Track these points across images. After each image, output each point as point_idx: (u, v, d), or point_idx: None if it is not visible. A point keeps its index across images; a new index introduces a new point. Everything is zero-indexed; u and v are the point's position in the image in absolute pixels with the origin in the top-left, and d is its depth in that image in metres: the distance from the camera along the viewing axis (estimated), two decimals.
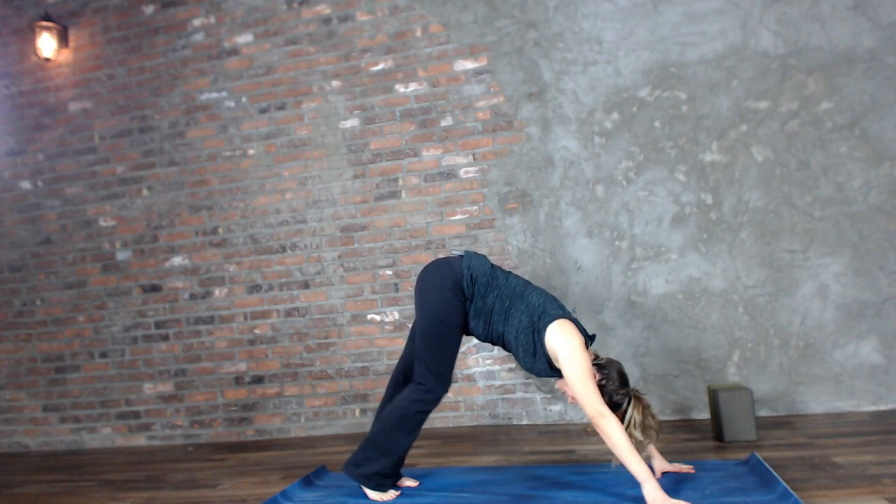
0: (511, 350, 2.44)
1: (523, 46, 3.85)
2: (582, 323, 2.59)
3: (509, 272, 2.52)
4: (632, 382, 3.57)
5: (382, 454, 2.47)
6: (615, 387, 2.28)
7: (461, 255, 2.53)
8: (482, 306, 2.42)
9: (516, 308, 2.37)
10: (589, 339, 2.37)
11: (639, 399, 2.29)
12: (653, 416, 2.27)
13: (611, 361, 2.36)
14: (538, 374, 2.41)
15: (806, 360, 3.44)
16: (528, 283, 2.48)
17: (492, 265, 2.50)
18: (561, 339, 2.27)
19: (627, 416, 2.24)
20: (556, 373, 2.36)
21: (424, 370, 2.45)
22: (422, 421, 2.48)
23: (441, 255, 2.61)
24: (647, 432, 2.23)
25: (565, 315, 2.33)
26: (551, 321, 2.30)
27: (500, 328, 2.41)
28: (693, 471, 2.48)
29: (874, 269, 3.40)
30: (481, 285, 2.42)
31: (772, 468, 2.35)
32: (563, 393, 2.41)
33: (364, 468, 2.48)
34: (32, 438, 4.46)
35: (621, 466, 2.19)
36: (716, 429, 3.08)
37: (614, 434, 2.15)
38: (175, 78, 4.34)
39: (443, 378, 2.46)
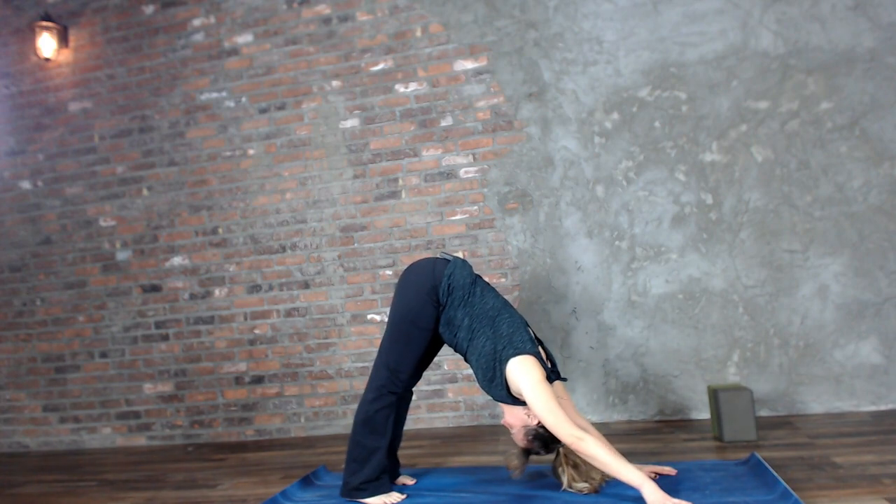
0: (471, 367, 2.47)
1: (523, 46, 3.85)
2: (554, 357, 2.62)
3: (488, 290, 2.50)
4: (632, 382, 3.61)
5: (364, 463, 2.46)
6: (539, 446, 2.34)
7: (448, 260, 2.52)
8: (452, 318, 2.45)
9: (483, 332, 2.38)
10: (555, 375, 2.41)
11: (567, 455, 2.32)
12: (586, 465, 2.29)
13: None
14: (494, 398, 2.42)
15: (806, 360, 3.44)
16: (504, 306, 2.46)
17: (474, 280, 2.49)
18: (521, 376, 2.28)
19: (563, 472, 2.32)
20: (511, 399, 2.36)
21: (382, 366, 2.48)
22: (388, 418, 2.48)
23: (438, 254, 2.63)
24: (589, 478, 2.28)
25: (530, 350, 2.33)
26: (515, 355, 2.31)
27: (465, 345, 2.44)
28: (674, 472, 2.48)
29: (874, 269, 3.40)
30: (456, 298, 2.44)
31: (772, 468, 2.35)
32: (507, 425, 2.43)
33: (352, 482, 2.47)
34: (32, 438, 4.46)
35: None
36: (716, 429, 3.08)
37: (596, 452, 2.15)
38: (175, 78, 4.34)
39: (399, 376, 2.47)
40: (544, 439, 2.31)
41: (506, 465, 2.42)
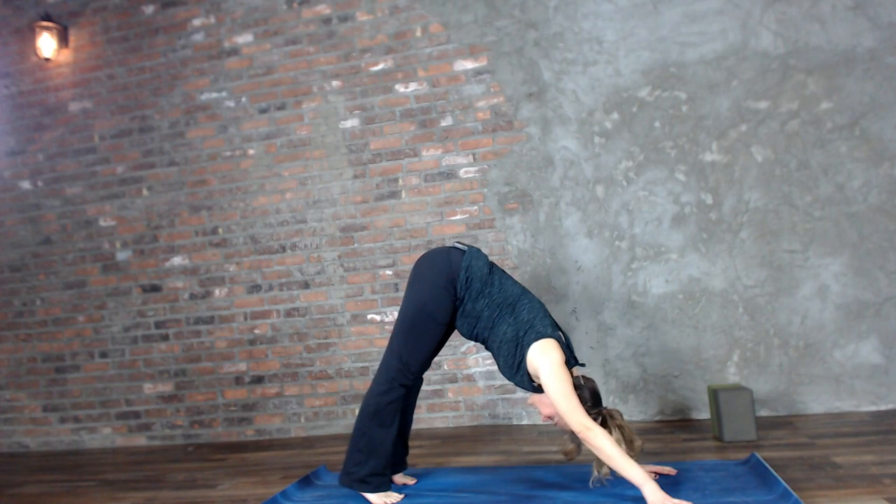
0: (493, 355, 2.47)
1: (523, 46, 3.85)
2: (571, 342, 2.56)
3: (506, 277, 2.49)
4: (632, 382, 3.61)
5: (370, 455, 2.45)
6: (587, 406, 2.27)
7: (463, 251, 2.49)
8: (471, 310, 2.43)
9: (504, 319, 2.38)
10: (573, 360, 2.39)
11: (612, 416, 2.28)
12: (629, 429, 2.27)
13: (585, 381, 2.34)
14: (517, 385, 2.43)
15: (806, 360, 3.44)
16: (522, 292, 2.45)
17: (490, 268, 2.47)
18: (541, 358, 2.27)
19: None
20: (534, 387, 2.36)
21: (393, 358, 2.45)
22: (396, 410, 2.47)
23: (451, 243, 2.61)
24: (631, 446, 2.23)
25: (551, 334, 2.33)
26: (537, 339, 2.31)
27: (486, 334, 2.44)
28: (674, 472, 2.47)
29: (874, 269, 3.40)
30: (474, 290, 2.42)
31: (772, 468, 2.35)
32: (537, 410, 2.42)
33: (356, 473, 2.46)
34: (32, 438, 4.46)
35: (610, 481, 2.22)
36: (716, 429, 3.08)
37: (603, 445, 2.15)
38: (175, 78, 4.34)
39: (410, 368, 2.46)
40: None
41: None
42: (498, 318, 2.39)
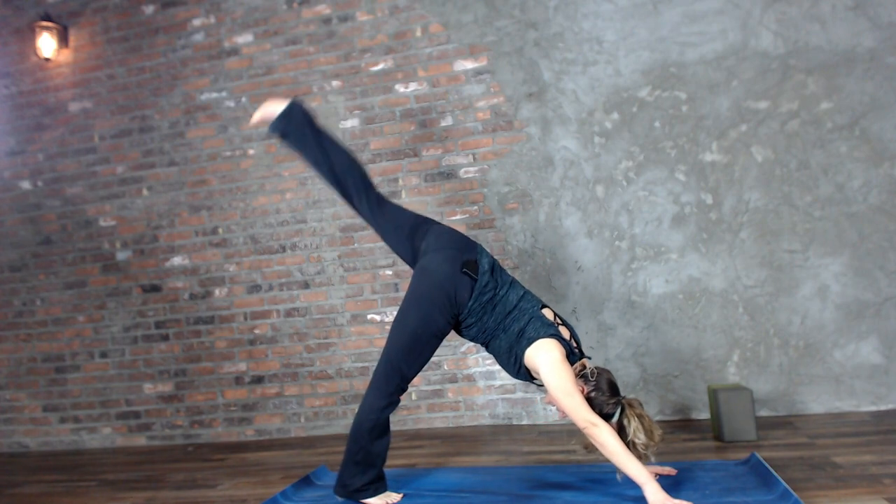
0: (494, 358, 2.52)
1: (523, 46, 3.85)
2: (577, 334, 2.55)
3: (504, 288, 2.44)
4: (632, 382, 3.60)
5: (368, 466, 2.44)
6: (605, 398, 2.26)
7: (474, 277, 2.40)
8: (466, 332, 2.49)
9: (498, 335, 2.42)
10: (579, 353, 2.39)
11: (631, 406, 2.27)
12: (649, 419, 2.25)
13: (601, 372, 2.32)
14: (524, 381, 2.46)
15: (806, 360, 3.44)
16: (518, 299, 2.42)
17: (493, 293, 2.41)
18: (538, 358, 2.28)
19: (627, 426, 2.22)
20: (540, 385, 2.37)
21: (394, 373, 2.41)
22: (389, 418, 2.46)
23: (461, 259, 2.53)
24: (651, 436, 2.21)
25: (544, 335, 2.32)
26: (529, 344, 2.32)
27: (485, 346, 2.50)
28: (674, 472, 2.47)
29: (874, 269, 3.40)
30: (472, 320, 2.44)
31: (772, 468, 2.35)
32: (554, 407, 2.43)
33: (352, 485, 2.45)
34: (32, 438, 4.46)
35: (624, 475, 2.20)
36: (716, 429, 3.08)
37: (607, 441, 2.14)
38: (175, 78, 4.34)
39: (409, 380, 2.46)
40: (601, 404, 2.25)
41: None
42: (492, 336, 2.43)
